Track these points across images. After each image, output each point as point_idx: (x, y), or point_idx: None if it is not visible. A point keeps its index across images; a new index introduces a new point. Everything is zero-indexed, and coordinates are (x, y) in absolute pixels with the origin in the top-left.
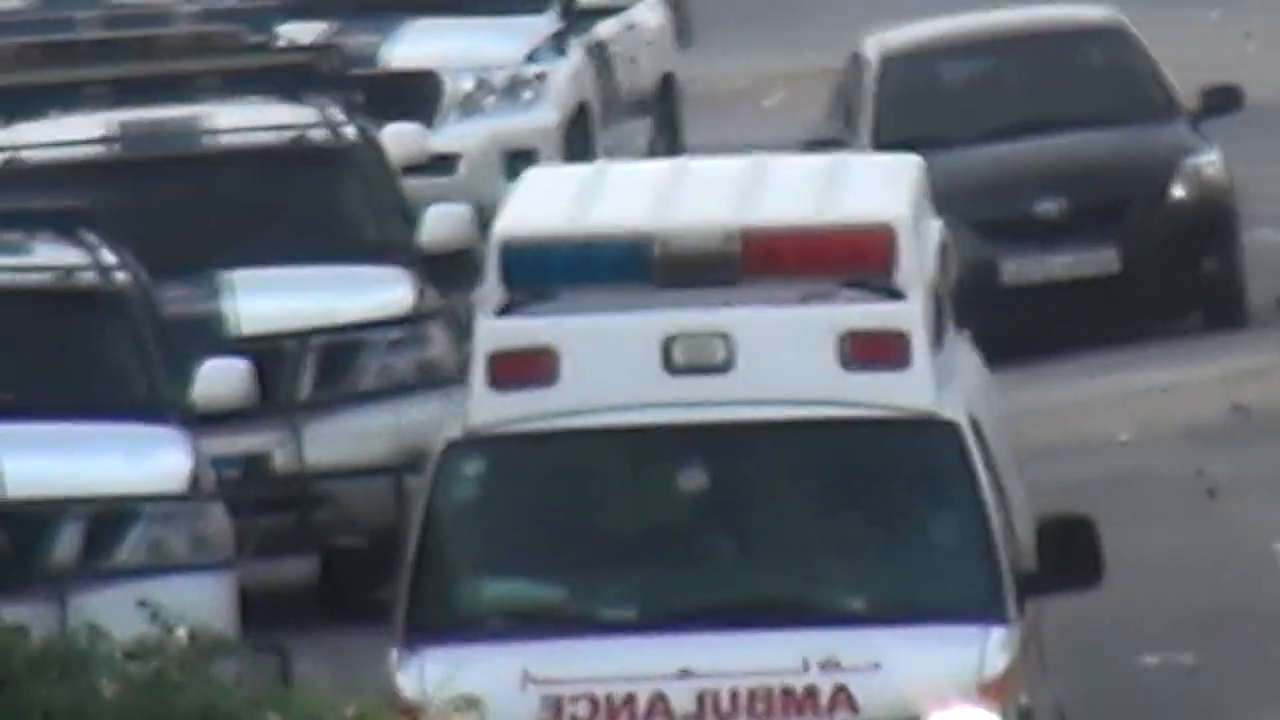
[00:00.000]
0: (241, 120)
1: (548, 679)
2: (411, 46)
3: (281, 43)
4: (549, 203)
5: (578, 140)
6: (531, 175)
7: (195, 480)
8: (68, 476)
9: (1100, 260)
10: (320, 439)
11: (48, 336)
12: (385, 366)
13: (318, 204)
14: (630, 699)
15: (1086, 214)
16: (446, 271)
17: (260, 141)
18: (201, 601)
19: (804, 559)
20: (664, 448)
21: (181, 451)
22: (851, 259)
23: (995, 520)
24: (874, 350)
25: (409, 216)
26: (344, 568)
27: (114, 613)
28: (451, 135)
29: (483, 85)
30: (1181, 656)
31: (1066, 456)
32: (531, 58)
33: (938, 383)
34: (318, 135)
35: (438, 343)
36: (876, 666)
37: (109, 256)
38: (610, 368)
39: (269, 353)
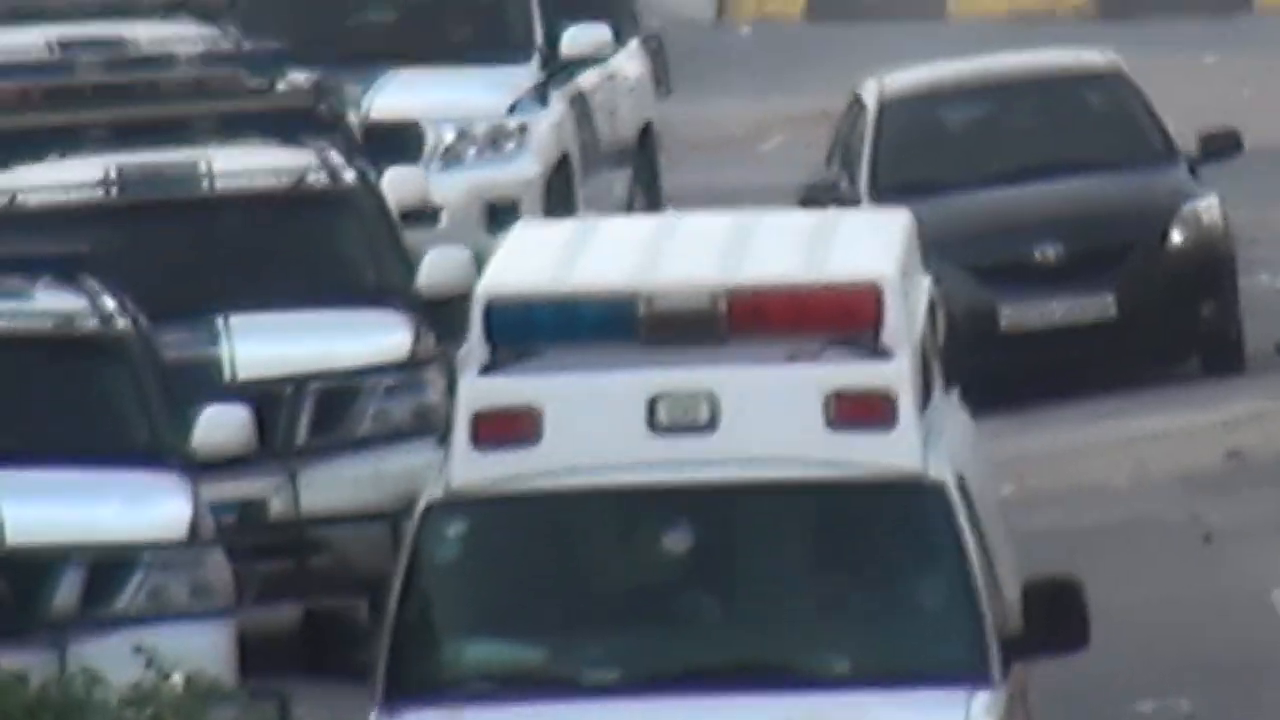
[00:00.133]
0: (240, 164)
1: None
2: (393, 97)
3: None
4: (534, 260)
5: (559, 191)
6: (517, 231)
7: (195, 527)
8: (68, 523)
9: (1098, 305)
10: (317, 485)
11: (48, 383)
12: (382, 412)
13: (316, 248)
14: None
15: (1084, 259)
16: (445, 316)
17: (259, 185)
18: (201, 648)
19: (789, 621)
20: (648, 508)
21: (182, 498)
22: (838, 318)
23: (981, 582)
24: (860, 410)
25: (407, 261)
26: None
27: (114, 660)
28: (433, 186)
29: (464, 136)
30: (1178, 702)
31: (1063, 502)
32: (513, 109)
33: (924, 443)
34: (316, 179)
35: (435, 388)
36: None
37: (109, 302)
38: (594, 427)
39: (266, 398)
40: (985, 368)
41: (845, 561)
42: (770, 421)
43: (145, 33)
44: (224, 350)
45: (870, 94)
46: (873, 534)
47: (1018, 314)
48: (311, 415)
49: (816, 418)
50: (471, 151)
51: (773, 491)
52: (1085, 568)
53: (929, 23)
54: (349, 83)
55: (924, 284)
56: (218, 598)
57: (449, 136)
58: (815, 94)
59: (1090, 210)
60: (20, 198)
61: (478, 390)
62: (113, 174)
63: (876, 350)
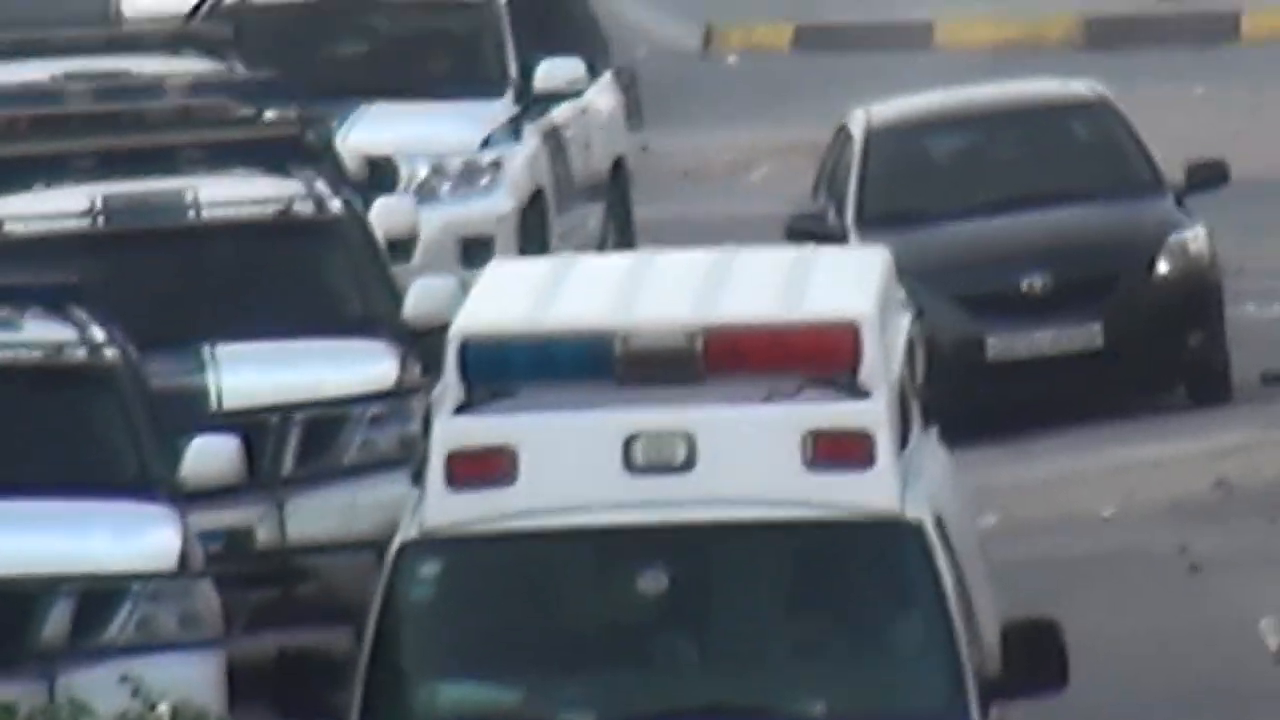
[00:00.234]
0: (226, 193)
1: None
2: (367, 132)
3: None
4: (509, 299)
5: (533, 226)
6: (491, 270)
7: (184, 558)
8: (56, 554)
9: (1085, 335)
10: (303, 513)
11: (36, 413)
12: (368, 441)
13: (302, 277)
14: None
15: (1071, 289)
16: (431, 345)
17: (245, 215)
18: (190, 679)
19: (765, 662)
20: (624, 549)
21: (171, 529)
22: (816, 357)
23: (959, 623)
24: (838, 450)
25: (394, 290)
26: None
27: (103, 690)
28: None
29: (438, 171)
30: None
31: (1050, 531)
32: (487, 143)
33: (902, 483)
34: (303, 208)
35: (421, 418)
36: None
37: (98, 333)
38: (570, 467)
39: (252, 427)
40: (972, 398)
41: (822, 602)
42: (747, 461)
43: (150, 68)
44: (210, 379)
45: (857, 124)
46: (850, 575)
47: (1004, 344)
48: (298, 444)
49: (794, 458)
50: (445, 187)
51: (750, 532)
52: (1072, 597)
53: (916, 53)
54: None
55: (902, 322)
56: (207, 628)
57: (423, 171)
58: (802, 124)
59: (1077, 240)
60: (6, 227)
61: (453, 430)
62: (99, 203)
63: (854, 390)
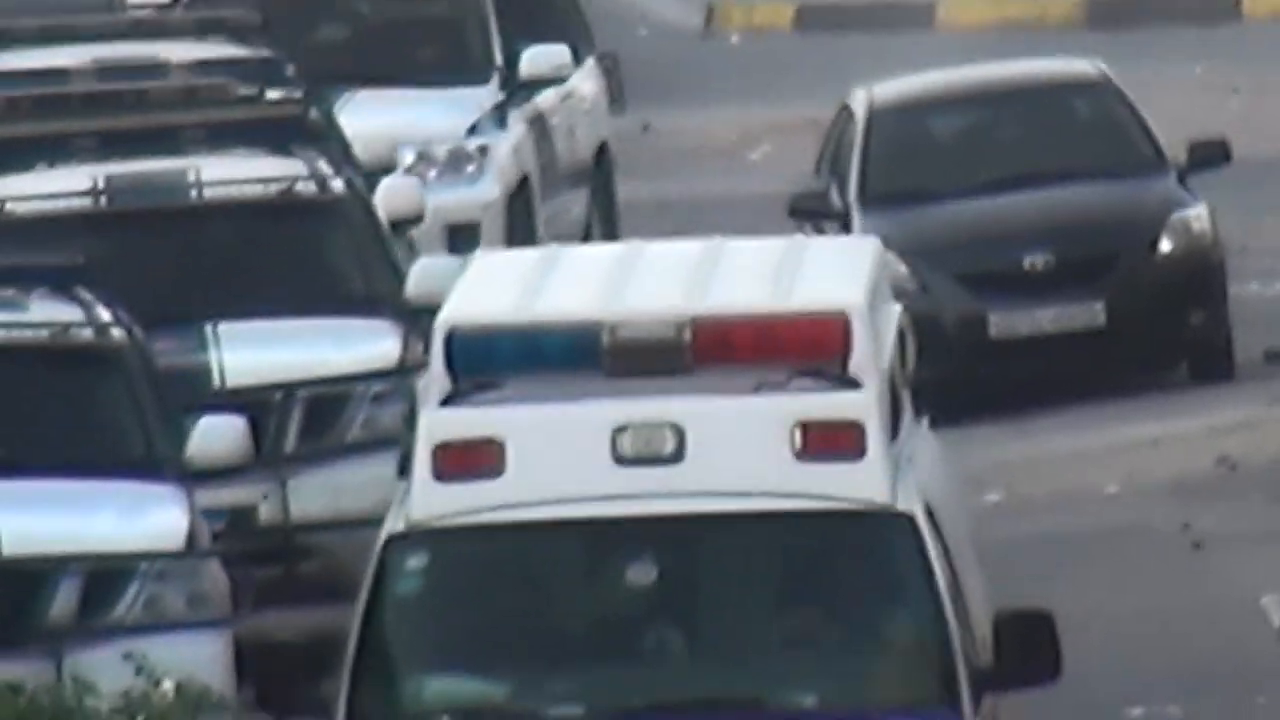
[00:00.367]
0: (229, 173)
1: None
2: (353, 119)
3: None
4: (496, 289)
5: (519, 213)
6: (479, 260)
7: (192, 537)
8: (64, 534)
9: (1087, 313)
10: (306, 491)
11: (43, 393)
12: (371, 419)
13: (304, 256)
14: None
15: (1073, 267)
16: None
17: (247, 194)
18: (198, 658)
19: (756, 654)
20: (613, 541)
21: (178, 509)
22: (805, 348)
23: (950, 615)
24: (827, 441)
25: (396, 269)
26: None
27: (110, 670)
28: None
29: (424, 158)
30: (1168, 709)
31: (1053, 509)
32: (473, 130)
33: (893, 474)
34: (305, 188)
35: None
36: None
37: (104, 313)
38: (557, 459)
39: (254, 405)
40: (974, 375)
41: (813, 594)
42: (736, 453)
43: (180, 54)
44: (213, 358)
45: (859, 103)
46: (841, 566)
47: (1007, 322)
48: (300, 422)
49: (784, 449)
50: (432, 173)
51: (739, 523)
52: (1074, 575)
53: (918, 33)
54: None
55: (893, 312)
56: (214, 608)
57: (409, 158)
58: (803, 103)
59: (1079, 219)
60: (8, 207)
61: (439, 422)
62: (101, 183)
63: (844, 380)
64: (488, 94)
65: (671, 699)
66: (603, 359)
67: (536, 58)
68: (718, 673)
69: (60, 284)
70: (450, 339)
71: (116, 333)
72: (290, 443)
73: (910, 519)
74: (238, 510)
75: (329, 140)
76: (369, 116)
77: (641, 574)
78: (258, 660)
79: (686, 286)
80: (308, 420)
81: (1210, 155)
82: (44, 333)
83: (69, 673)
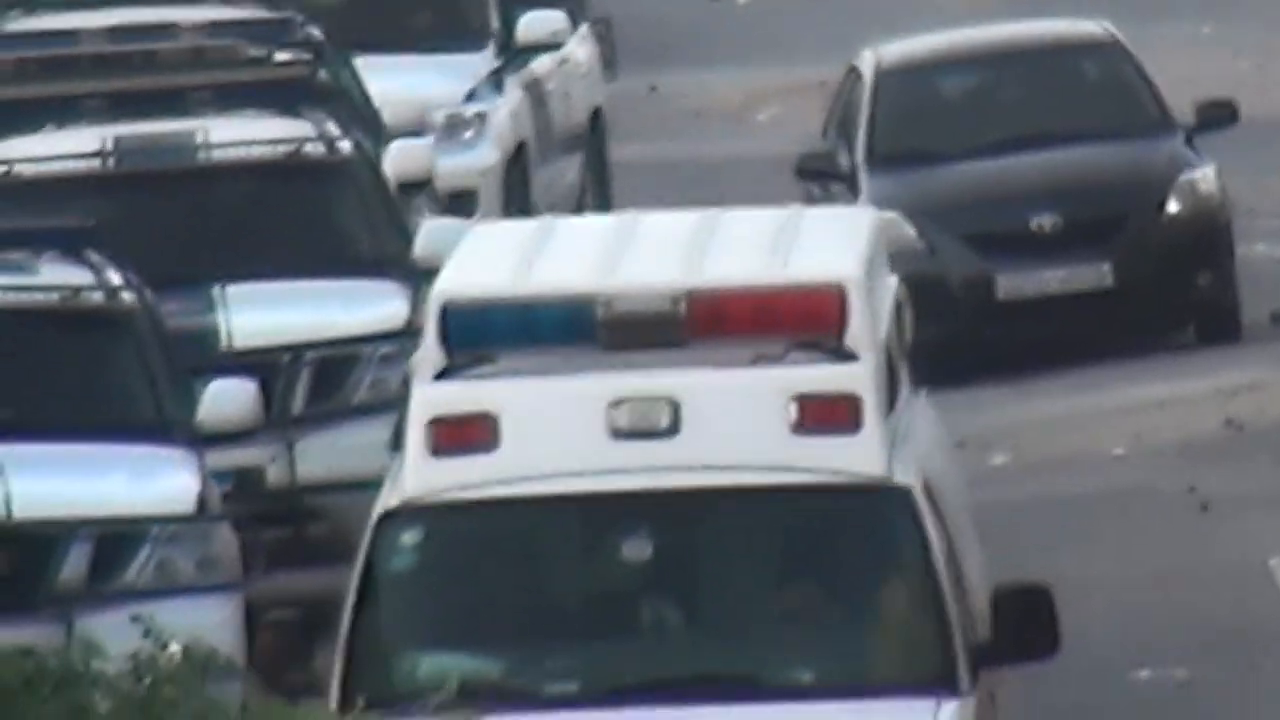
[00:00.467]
0: (237, 134)
1: None
2: None
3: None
4: (491, 262)
5: (516, 179)
6: (475, 232)
7: (203, 501)
8: (74, 497)
9: (1094, 274)
10: (313, 453)
11: (54, 357)
12: (379, 380)
13: (312, 218)
14: None
15: (1081, 229)
16: None
17: (255, 155)
18: (209, 622)
19: (752, 630)
20: (608, 516)
21: (188, 472)
22: (801, 320)
23: (948, 589)
24: (824, 414)
25: (404, 231)
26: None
27: (120, 634)
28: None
29: (422, 124)
30: (1174, 671)
31: (1060, 471)
32: (470, 96)
33: (890, 447)
34: (313, 149)
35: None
36: None
37: (115, 276)
38: (552, 433)
39: (262, 367)
40: (981, 337)
41: (810, 569)
42: (733, 426)
43: (202, 17)
44: (220, 319)
45: (866, 64)
46: (838, 540)
47: (1014, 283)
48: (308, 384)
49: (780, 422)
50: (430, 139)
51: (735, 498)
52: (1081, 536)
53: None
54: None
55: (890, 283)
56: (225, 571)
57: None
58: (810, 65)
59: (1087, 180)
60: (16, 168)
61: (433, 396)
62: (109, 144)
63: (841, 353)
64: (484, 60)
65: (667, 675)
66: (598, 332)
67: (533, 23)
68: (714, 649)
69: (70, 247)
70: (444, 313)
71: (127, 296)
72: (298, 404)
73: (907, 492)
74: (245, 472)
75: (337, 101)
76: (367, 83)
77: (637, 549)
78: (254, 638)
79: (682, 259)
80: (315, 382)
81: (1218, 116)
82: (54, 296)
83: (79, 637)
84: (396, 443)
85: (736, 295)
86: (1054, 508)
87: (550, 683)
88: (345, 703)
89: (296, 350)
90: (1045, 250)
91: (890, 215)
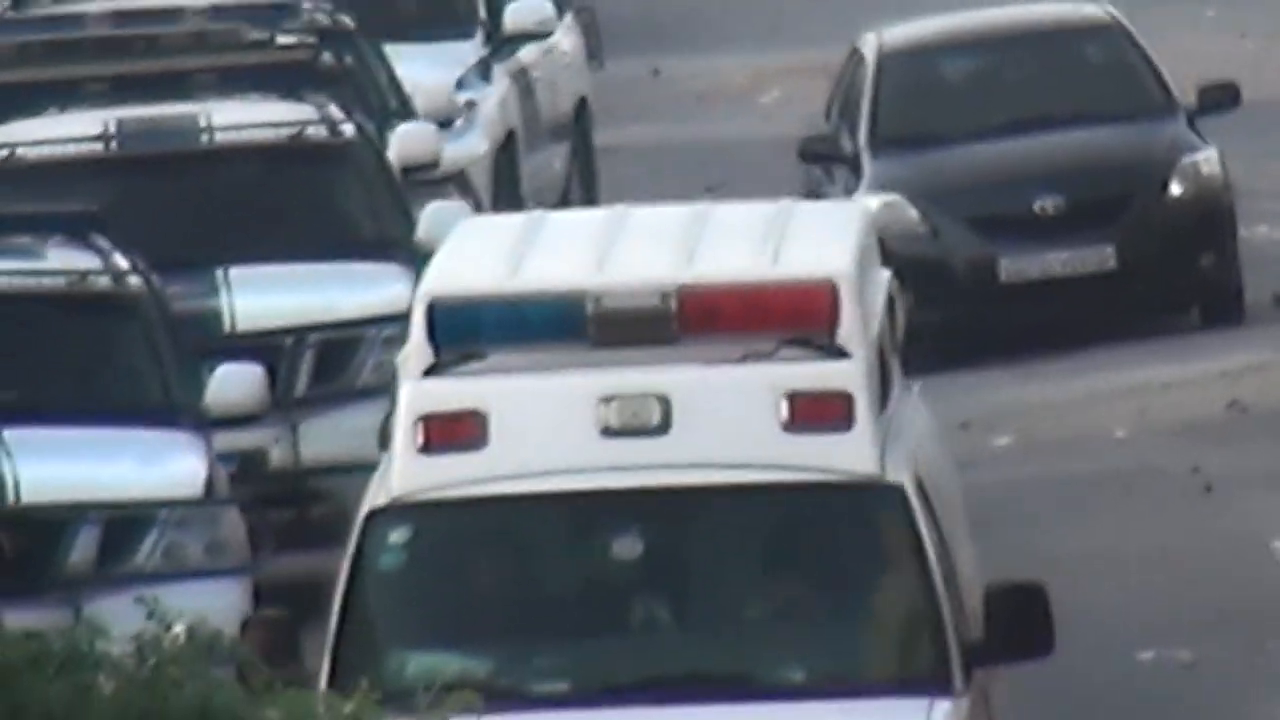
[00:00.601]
0: (239, 117)
1: None
2: None
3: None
4: (479, 258)
5: (505, 168)
6: (463, 227)
7: (210, 485)
8: (82, 482)
9: (1097, 257)
10: (317, 435)
11: (61, 341)
12: (382, 363)
13: (315, 201)
14: None
15: (1084, 211)
16: None
17: (258, 139)
18: (217, 606)
19: (743, 629)
20: (598, 514)
21: (196, 456)
22: (793, 316)
23: (941, 587)
24: (816, 412)
25: (407, 213)
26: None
27: (128, 618)
28: None
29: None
30: (1178, 652)
31: (1064, 452)
32: (460, 85)
33: (882, 445)
34: (316, 132)
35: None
36: None
37: (122, 261)
38: (542, 431)
39: (265, 349)
40: (985, 319)
41: (802, 567)
42: (724, 424)
43: (204, 1)
44: (223, 302)
45: (869, 47)
46: (830, 539)
47: (1017, 265)
48: (311, 366)
49: (771, 420)
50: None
51: (726, 495)
52: (1085, 518)
53: None
54: None
55: (882, 279)
56: (233, 555)
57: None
58: (814, 47)
59: (1090, 162)
60: (19, 151)
61: (421, 394)
62: (111, 127)
63: (832, 350)
64: (472, 48)
65: (658, 674)
66: (588, 329)
67: (520, 12)
68: (705, 648)
69: (77, 231)
70: (432, 310)
71: (134, 280)
72: (301, 387)
73: (900, 490)
74: (248, 454)
75: (342, 84)
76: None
77: (627, 547)
78: (241, 631)
79: (672, 255)
80: (319, 364)
81: (1220, 98)
82: (61, 280)
83: (87, 621)
84: (384, 441)
85: (727, 291)
86: (1057, 489)
87: (540, 682)
88: None
89: (299, 333)
90: (1048, 232)
91: (892, 198)
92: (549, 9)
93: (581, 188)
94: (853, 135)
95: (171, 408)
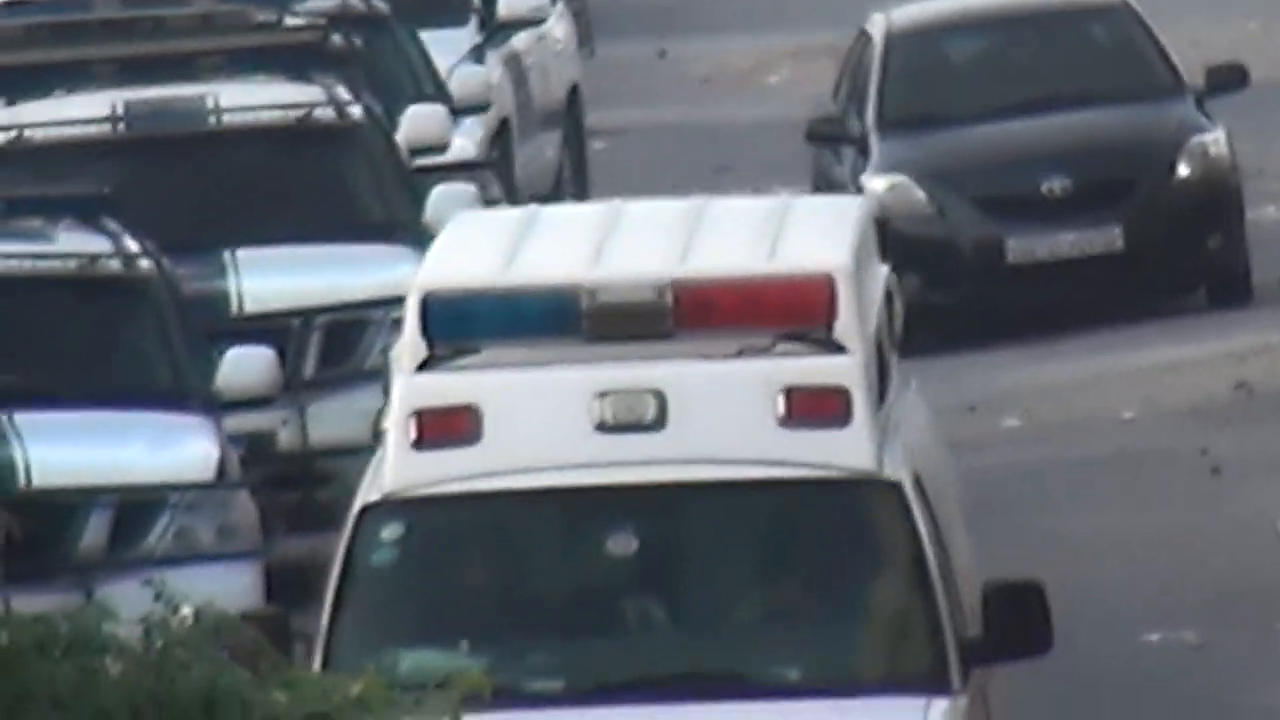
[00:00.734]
0: (247, 99)
1: None
2: None
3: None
4: (473, 252)
5: (499, 155)
6: (457, 220)
7: (222, 468)
8: (94, 465)
9: (1105, 238)
10: (325, 417)
11: (72, 324)
12: (390, 345)
13: (323, 183)
14: None
15: (1091, 192)
16: None
17: (266, 120)
18: (229, 590)
19: (739, 627)
20: (593, 510)
21: (207, 439)
22: (789, 311)
23: (939, 585)
24: (813, 407)
25: (415, 195)
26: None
27: (139, 602)
28: None
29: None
30: (1184, 634)
31: (1071, 434)
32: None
33: (880, 440)
34: (323, 114)
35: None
36: None
37: (132, 244)
38: (536, 426)
39: (273, 332)
40: (992, 300)
41: (798, 565)
42: (720, 419)
43: None
44: (231, 284)
45: (877, 28)
46: (826, 535)
47: (1025, 246)
48: (319, 348)
49: (768, 415)
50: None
51: (722, 492)
52: (1093, 499)
53: None
54: None
55: (880, 273)
56: (244, 539)
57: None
58: (820, 29)
59: (1097, 143)
60: (27, 133)
61: (415, 388)
62: (119, 109)
63: (830, 345)
64: (466, 35)
65: (653, 673)
66: (583, 323)
67: None
68: (700, 646)
69: (87, 214)
70: (426, 304)
71: (144, 263)
72: (309, 369)
73: (898, 487)
74: (257, 436)
75: (351, 66)
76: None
77: (622, 544)
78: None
79: (667, 249)
80: (326, 346)
81: (1228, 79)
82: (72, 263)
83: (95, 602)
84: (377, 435)
85: (723, 286)
86: (1065, 470)
87: (534, 679)
88: None
89: (307, 315)
90: (1056, 214)
91: (898, 179)
92: None
93: (573, 175)
94: (860, 116)
95: (182, 390)
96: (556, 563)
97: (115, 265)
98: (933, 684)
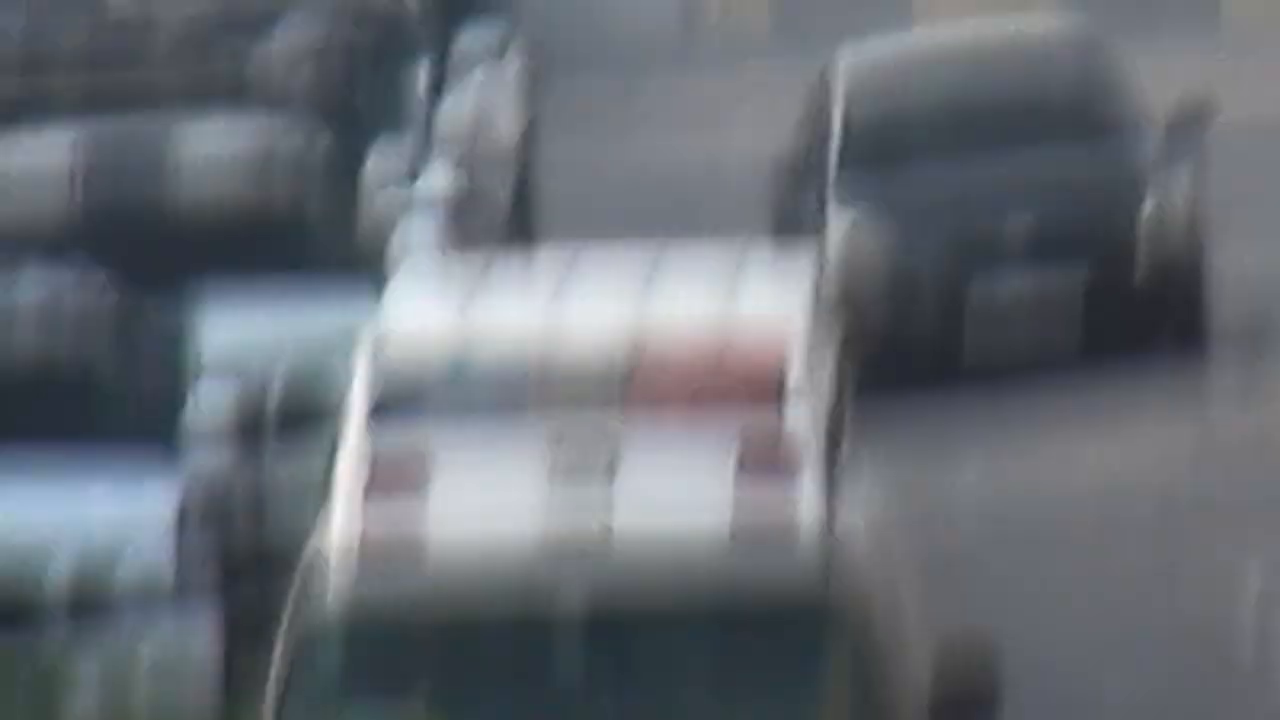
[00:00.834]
0: (209, 133)
1: None
2: None
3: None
4: (427, 310)
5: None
6: (409, 271)
7: (184, 511)
8: (56, 506)
9: (1068, 278)
10: (288, 457)
11: (38, 362)
12: (344, 389)
13: (287, 217)
14: None
15: (1055, 231)
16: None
17: (228, 154)
18: (188, 632)
19: (687, 697)
20: (543, 559)
21: (171, 481)
22: (742, 377)
23: (890, 703)
24: (764, 468)
25: (379, 228)
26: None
27: (100, 644)
28: None
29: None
30: (1148, 675)
31: (1035, 475)
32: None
33: (828, 501)
34: (286, 146)
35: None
36: None
37: (98, 281)
38: (487, 475)
39: (237, 369)
40: (955, 340)
41: (746, 681)
42: (672, 473)
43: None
44: (194, 321)
45: (839, 66)
46: (775, 657)
47: (987, 285)
48: (284, 386)
49: (722, 473)
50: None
51: (674, 545)
52: (1055, 539)
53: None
54: None
55: (831, 336)
56: (205, 582)
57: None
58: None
59: (1061, 182)
60: None
61: (364, 436)
62: (80, 142)
63: (782, 409)
64: (422, 73)
65: None
66: (531, 400)
67: (471, 38)
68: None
69: (53, 251)
70: (376, 354)
71: (111, 298)
72: (273, 407)
73: (845, 611)
74: (220, 477)
75: (319, 100)
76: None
77: (570, 600)
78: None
79: (619, 318)
80: (291, 384)
81: (1194, 115)
82: (38, 301)
83: (60, 649)
84: (326, 483)
85: (676, 354)
86: (1030, 511)
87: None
88: None
89: (271, 351)
90: (1019, 252)
91: (860, 217)
92: (499, 36)
93: (524, 213)
94: (823, 154)
95: (148, 428)
96: (506, 616)
97: (80, 301)
98: None
